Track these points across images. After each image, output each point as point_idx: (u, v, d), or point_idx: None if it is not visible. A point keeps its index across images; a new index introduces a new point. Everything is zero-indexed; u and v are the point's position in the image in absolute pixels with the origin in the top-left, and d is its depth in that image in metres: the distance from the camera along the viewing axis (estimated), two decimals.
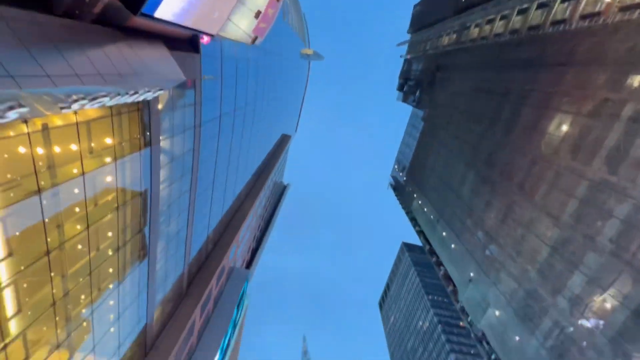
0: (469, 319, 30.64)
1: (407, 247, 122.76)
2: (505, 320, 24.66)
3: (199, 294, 22.21)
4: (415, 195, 50.61)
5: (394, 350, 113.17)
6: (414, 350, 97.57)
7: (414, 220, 50.68)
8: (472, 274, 30.06)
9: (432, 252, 41.80)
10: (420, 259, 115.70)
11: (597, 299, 18.61)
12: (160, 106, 14.12)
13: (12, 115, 6.29)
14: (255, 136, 35.93)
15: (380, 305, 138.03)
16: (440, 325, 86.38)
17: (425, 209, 44.84)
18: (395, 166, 69.53)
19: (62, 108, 7.64)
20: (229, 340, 32.56)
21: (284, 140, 63.01)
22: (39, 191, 8.74)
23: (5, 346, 8.46)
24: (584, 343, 18.48)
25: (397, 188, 66.18)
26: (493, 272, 27.37)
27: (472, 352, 79.65)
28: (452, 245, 34.48)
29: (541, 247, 22.40)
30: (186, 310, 20.76)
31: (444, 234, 37.10)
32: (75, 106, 7.65)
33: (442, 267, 38.77)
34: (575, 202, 20.81)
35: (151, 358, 17.58)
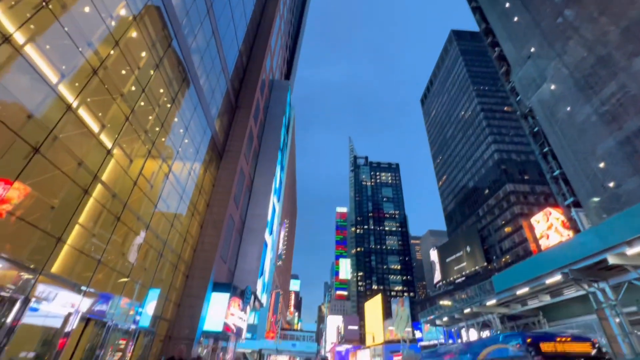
0: (517, 99, 29.91)
1: (456, 34, 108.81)
2: (560, 92, 23.50)
3: (248, 105, 23.66)
4: None
5: (433, 139, 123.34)
6: (452, 137, 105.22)
7: None
8: (532, 49, 26.65)
9: (488, 32, 36.37)
10: (469, 47, 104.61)
11: None
12: None
13: None
14: None
15: (422, 102, 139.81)
16: (482, 113, 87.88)
17: None
18: None
19: None
20: (284, 142, 37.32)
21: None
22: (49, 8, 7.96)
23: (108, 152, 10.38)
24: None
25: None
26: (560, 43, 23.80)
27: (510, 133, 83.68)
28: (515, 18, 29.08)
29: None
30: (241, 120, 22.90)
31: (507, 5, 30.66)
32: None
33: (496, 48, 34.64)
34: None
35: (226, 158, 21.23)
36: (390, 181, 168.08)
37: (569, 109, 22.65)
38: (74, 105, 8.88)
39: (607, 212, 20.50)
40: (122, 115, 11.09)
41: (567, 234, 46.59)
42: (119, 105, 10.91)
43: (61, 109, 8.54)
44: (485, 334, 26.56)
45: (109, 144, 10.46)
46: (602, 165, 20.53)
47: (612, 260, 12.95)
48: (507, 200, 72.85)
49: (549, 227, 52.41)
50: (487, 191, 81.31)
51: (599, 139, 20.41)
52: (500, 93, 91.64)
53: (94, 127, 9.78)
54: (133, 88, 12.00)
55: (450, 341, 34.91)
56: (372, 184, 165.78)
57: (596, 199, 21.72)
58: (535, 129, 27.06)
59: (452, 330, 33.79)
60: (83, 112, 9.31)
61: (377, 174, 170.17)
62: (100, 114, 10.13)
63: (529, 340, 9.15)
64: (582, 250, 14.57)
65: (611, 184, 19.71)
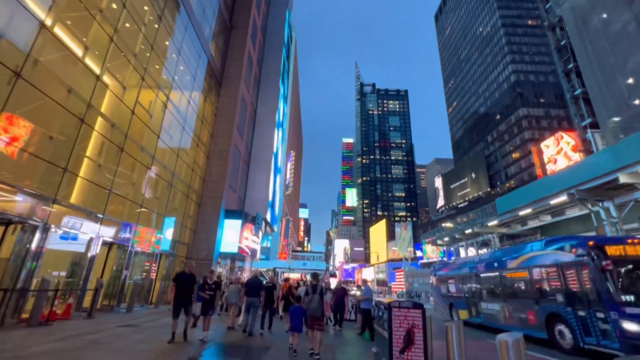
0: (547, 6, 26.38)
1: None
2: None
3: (244, 24, 21.42)
4: None
5: (446, 62, 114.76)
6: (467, 58, 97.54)
7: None
8: None
9: None
10: None
11: None
12: None
13: None
14: None
15: (436, 19, 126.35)
16: (503, 28, 79.59)
17: None
18: None
19: None
20: (286, 68, 34.96)
21: None
22: None
23: (98, 78, 9.71)
24: None
25: None
26: None
27: (530, 51, 76.94)
28: None
29: None
30: (238, 42, 21.00)
31: None
32: None
33: None
34: None
35: (225, 85, 20.11)
36: (397, 109, 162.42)
37: (605, 15, 19.92)
38: (48, 22, 7.95)
39: (626, 132, 19.61)
40: (106, 36, 10.07)
41: (576, 158, 46.10)
42: (100, 24, 9.81)
43: (34, 27, 7.66)
44: (483, 251, 28.31)
45: (97, 69, 9.71)
46: (630, 81, 18.91)
47: (623, 179, 12.77)
48: (518, 126, 70.67)
49: (558, 152, 51.67)
50: (498, 117, 78.39)
51: (633, 51, 18.38)
52: (525, 3, 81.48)
53: (76, 49, 8.94)
54: (113, 5, 10.69)
55: (445, 258, 37.62)
56: (379, 112, 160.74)
57: (616, 119, 20.63)
58: (563, 42, 24.36)
59: (452, 249, 36.14)
60: (60, 32, 8.40)
61: (385, 102, 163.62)
62: (83, 38, 9.18)
63: (591, 243, 7.68)
64: (594, 170, 14.33)
65: (636, 101, 18.43)
